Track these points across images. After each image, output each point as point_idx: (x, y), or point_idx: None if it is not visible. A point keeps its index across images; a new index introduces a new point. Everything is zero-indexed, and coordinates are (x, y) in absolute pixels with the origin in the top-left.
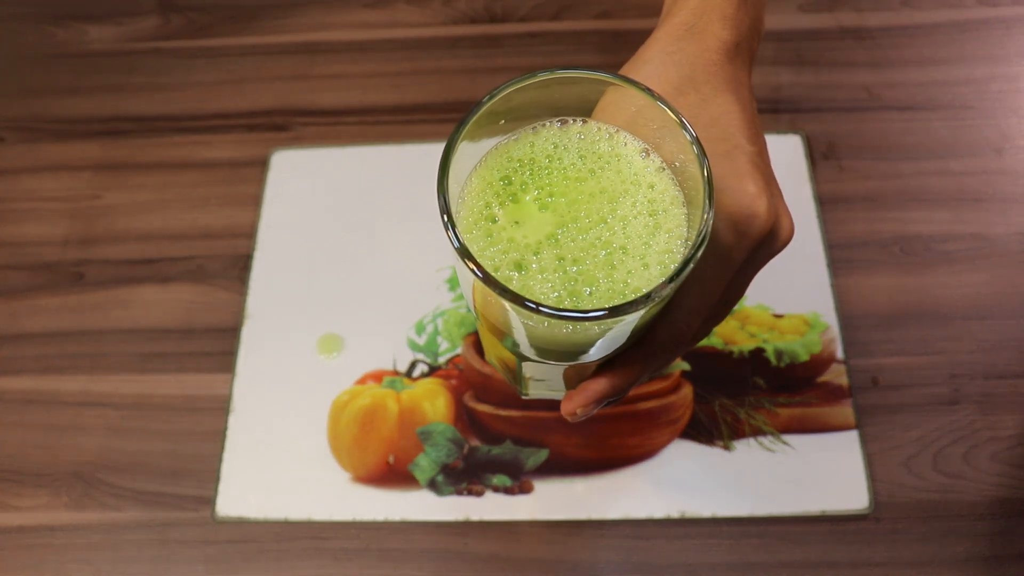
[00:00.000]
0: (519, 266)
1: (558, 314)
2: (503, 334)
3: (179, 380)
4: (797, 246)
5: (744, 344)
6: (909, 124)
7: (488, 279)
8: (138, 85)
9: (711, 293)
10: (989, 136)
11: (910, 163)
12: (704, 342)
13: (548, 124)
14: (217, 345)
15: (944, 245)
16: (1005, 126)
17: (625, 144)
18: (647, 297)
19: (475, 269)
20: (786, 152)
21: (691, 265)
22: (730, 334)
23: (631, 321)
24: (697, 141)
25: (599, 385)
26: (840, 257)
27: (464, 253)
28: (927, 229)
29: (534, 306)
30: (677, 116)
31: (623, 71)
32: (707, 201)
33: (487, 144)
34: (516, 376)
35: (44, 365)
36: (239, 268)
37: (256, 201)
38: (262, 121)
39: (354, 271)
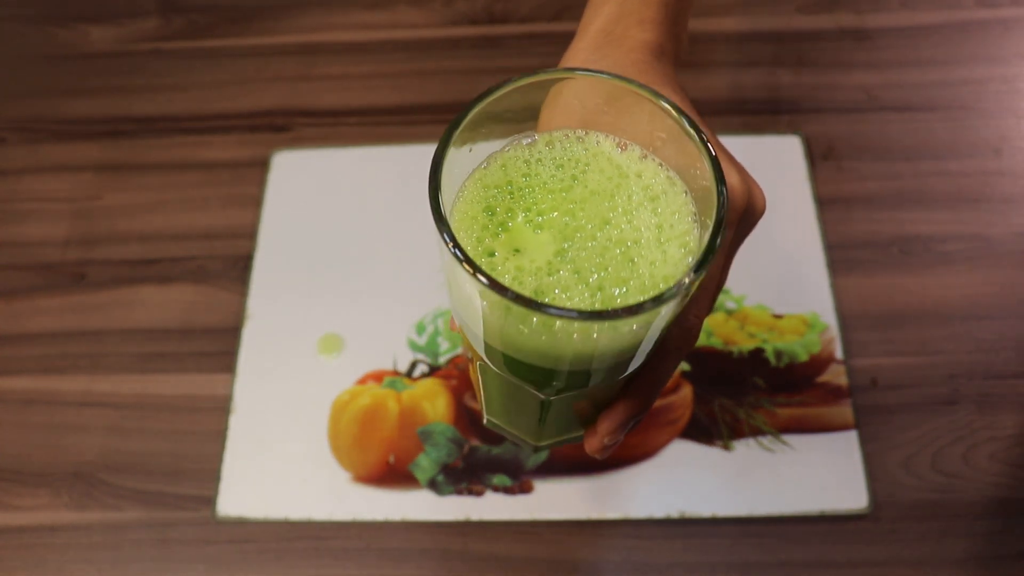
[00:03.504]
0: (539, 293)
1: (616, 312)
2: (532, 369)
3: (180, 380)
4: (796, 246)
5: (744, 344)
6: (908, 125)
7: (522, 299)
8: (139, 86)
9: (713, 277)
10: (988, 137)
11: (909, 164)
12: (703, 342)
13: (513, 145)
14: (217, 345)
15: (943, 245)
16: (1004, 127)
17: (598, 143)
18: (701, 263)
19: (501, 291)
20: (785, 153)
21: (723, 229)
22: (730, 334)
23: (673, 308)
24: (683, 113)
25: (622, 408)
26: (839, 257)
27: (490, 282)
28: (926, 229)
29: (583, 313)
30: (653, 95)
31: (552, 91)
32: (714, 171)
33: (460, 174)
34: (530, 428)
35: (45, 365)
36: (240, 268)
37: (257, 202)
38: (263, 122)
39: (354, 271)
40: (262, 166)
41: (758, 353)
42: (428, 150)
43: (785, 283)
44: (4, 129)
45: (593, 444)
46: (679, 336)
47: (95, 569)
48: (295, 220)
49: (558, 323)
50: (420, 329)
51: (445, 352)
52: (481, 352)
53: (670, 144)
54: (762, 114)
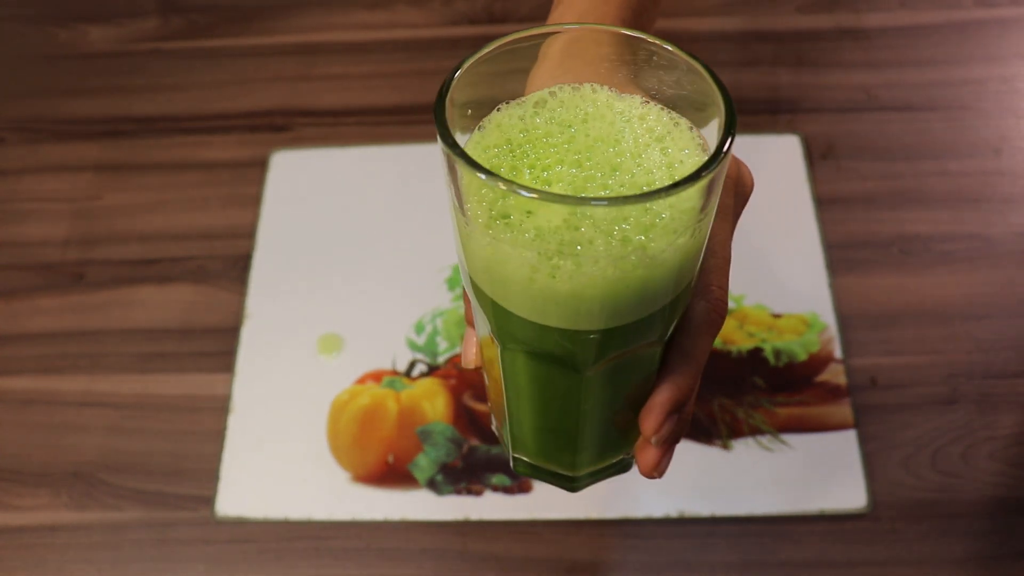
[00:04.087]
0: (563, 254)
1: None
2: (561, 333)
3: (179, 380)
4: (795, 246)
5: (743, 344)
6: (907, 125)
7: (547, 193)
8: (139, 86)
9: (723, 245)
10: (987, 136)
11: (908, 163)
12: None
13: (504, 106)
14: (217, 345)
15: (942, 245)
16: (1003, 126)
17: (594, 91)
18: (718, 150)
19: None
20: (784, 152)
21: (732, 135)
22: (729, 334)
23: (698, 204)
24: (690, 54)
25: (660, 396)
26: (838, 257)
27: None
28: (925, 229)
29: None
30: (649, 38)
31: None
32: (719, 89)
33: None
34: (565, 450)
35: (45, 365)
36: (239, 268)
37: (256, 201)
38: (262, 122)
39: (354, 271)
40: (262, 166)
41: (757, 352)
42: (428, 150)
43: (784, 283)
44: (4, 129)
45: (647, 458)
46: (705, 310)
47: (95, 569)
48: (294, 220)
49: (589, 231)
50: (419, 329)
51: (444, 352)
52: (503, 330)
53: (669, 86)
54: (761, 114)
